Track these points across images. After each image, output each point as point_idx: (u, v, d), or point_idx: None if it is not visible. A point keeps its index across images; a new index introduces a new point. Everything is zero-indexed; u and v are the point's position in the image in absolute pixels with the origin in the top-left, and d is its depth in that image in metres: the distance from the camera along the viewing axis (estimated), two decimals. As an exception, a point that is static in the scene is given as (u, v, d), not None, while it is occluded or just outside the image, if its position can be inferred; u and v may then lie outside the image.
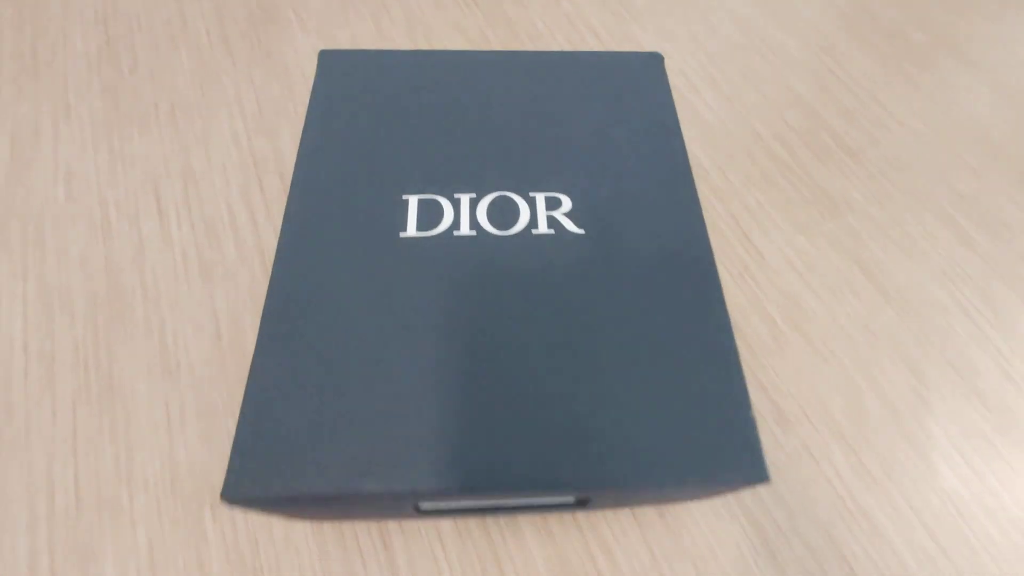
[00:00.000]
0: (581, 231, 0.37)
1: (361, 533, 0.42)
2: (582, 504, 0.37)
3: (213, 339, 0.48)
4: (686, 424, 0.31)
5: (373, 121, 0.42)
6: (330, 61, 0.45)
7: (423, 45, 0.70)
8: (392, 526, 0.42)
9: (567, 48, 0.71)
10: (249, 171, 0.57)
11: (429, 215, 0.37)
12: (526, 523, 0.42)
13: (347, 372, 0.32)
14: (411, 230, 0.37)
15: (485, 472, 0.29)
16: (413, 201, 0.38)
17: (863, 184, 0.61)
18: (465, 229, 0.37)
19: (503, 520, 0.42)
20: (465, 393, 0.31)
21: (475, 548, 0.41)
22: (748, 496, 0.44)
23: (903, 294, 0.54)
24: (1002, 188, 0.61)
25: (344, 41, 0.69)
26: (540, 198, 0.38)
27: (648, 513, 0.43)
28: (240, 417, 0.30)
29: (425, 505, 0.35)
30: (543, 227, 0.37)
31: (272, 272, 0.35)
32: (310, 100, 0.43)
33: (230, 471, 0.29)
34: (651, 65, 0.47)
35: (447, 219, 0.37)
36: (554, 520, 0.43)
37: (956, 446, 0.47)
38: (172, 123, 0.61)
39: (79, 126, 0.61)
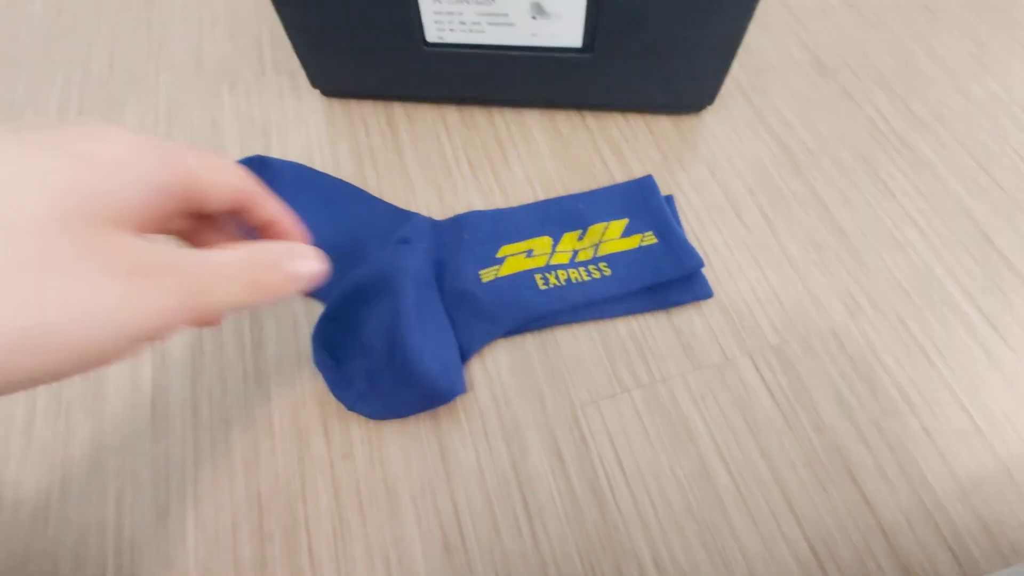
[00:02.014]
0: None
1: (368, 113, 0.41)
2: (587, 49, 0.35)
3: (248, -23, 0.50)
4: None
5: None
6: None
7: None
8: (398, 110, 0.41)
9: None
10: None
11: None
12: (532, 120, 0.41)
13: None
14: None
15: None
16: None
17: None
18: None
19: (509, 114, 0.41)
20: None
21: (479, 136, 0.40)
22: (774, 120, 0.41)
23: (973, -11, 0.49)
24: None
25: None
26: None
27: (662, 122, 0.41)
28: None
29: (431, 32, 0.35)
30: None
31: None
32: None
33: None
34: None
35: None
36: (561, 119, 0.41)
37: (1019, 101, 0.42)
38: None
39: None
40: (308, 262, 0.18)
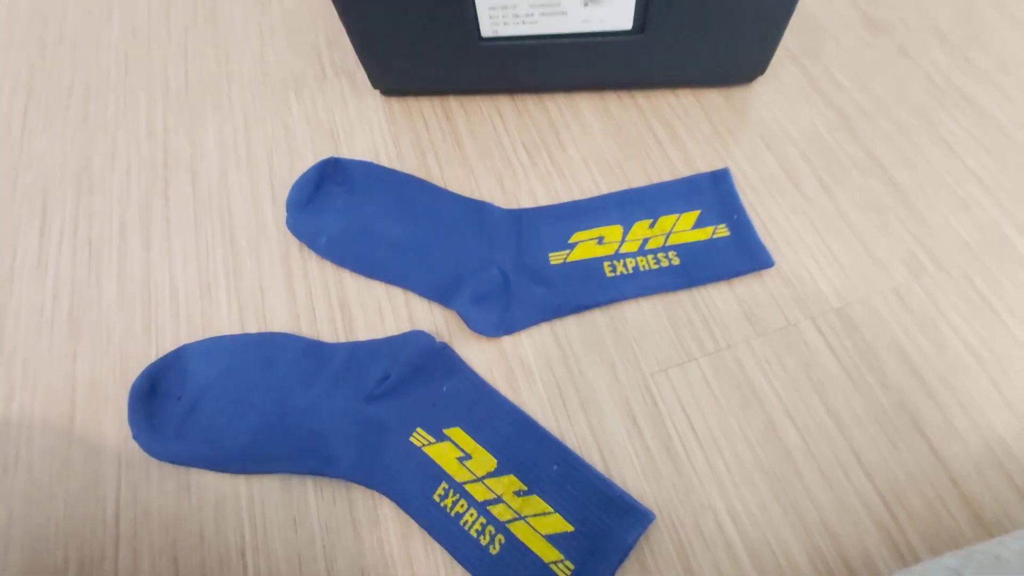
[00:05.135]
0: None
1: (425, 108, 0.44)
2: (638, 31, 0.36)
3: (300, -17, 0.52)
4: None
5: None
6: None
7: None
8: (453, 104, 0.43)
9: None
10: None
11: None
12: (584, 103, 0.42)
13: None
14: None
15: None
16: None
17: None
18: None
19: (560, 100, 0.43)
20: None
21: (534, 123, 0.42)
22: (827, 84, 0.41)
23: (1037, -73, 0.46)
24: None
25: None
26: None
27: (712, 95, 0.41)
28: None
29: (485, 27, 0.37)
30: None
31: None
32: None
33: None
34: None
35: None
36: (612, 100, 0.42)
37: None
38: None
39: None
40: None
